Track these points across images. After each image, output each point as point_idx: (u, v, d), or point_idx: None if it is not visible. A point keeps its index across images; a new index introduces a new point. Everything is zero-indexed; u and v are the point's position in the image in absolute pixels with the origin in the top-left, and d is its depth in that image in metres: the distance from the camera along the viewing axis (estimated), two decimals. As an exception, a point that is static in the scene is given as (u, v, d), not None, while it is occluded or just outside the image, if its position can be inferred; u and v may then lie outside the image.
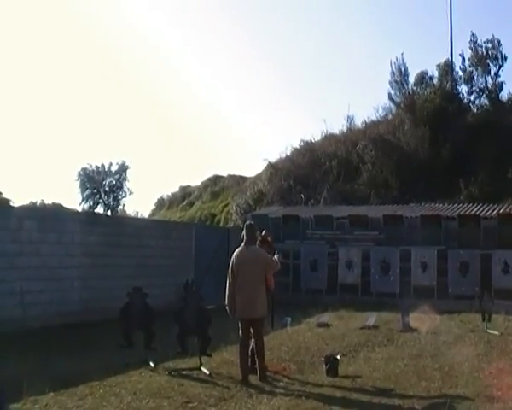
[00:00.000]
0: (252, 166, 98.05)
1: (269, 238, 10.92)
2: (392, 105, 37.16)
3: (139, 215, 48.69)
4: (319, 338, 13.72)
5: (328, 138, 37.58)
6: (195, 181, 49.18)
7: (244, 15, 75.62)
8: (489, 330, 14.61)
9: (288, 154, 37.88)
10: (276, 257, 10.51)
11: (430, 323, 15.52)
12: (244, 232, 10.00)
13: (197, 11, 75.81)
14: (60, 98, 76.33)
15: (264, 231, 10.87)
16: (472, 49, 35.38)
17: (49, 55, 76.26)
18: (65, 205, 41.85)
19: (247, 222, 10.46)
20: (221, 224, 35.86)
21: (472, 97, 35.71)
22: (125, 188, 46.51)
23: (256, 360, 9.75)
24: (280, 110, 76.22)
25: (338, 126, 39.28)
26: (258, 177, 38.56)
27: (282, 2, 71.50)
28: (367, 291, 21.95)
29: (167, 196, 50.25)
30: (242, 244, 9.97)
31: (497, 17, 59.39)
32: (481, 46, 35.15)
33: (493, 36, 35.17)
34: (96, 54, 77.80)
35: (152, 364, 10.45)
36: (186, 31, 79.72)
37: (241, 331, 9.85)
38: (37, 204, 44.95)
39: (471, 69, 35.45)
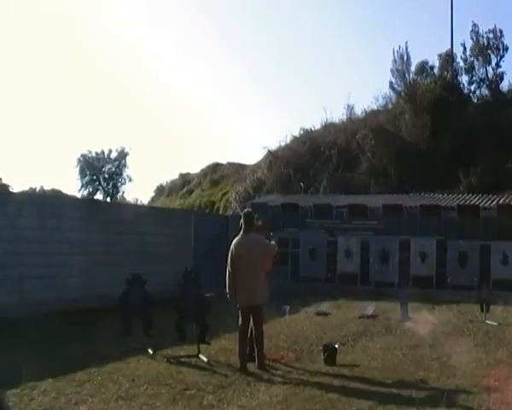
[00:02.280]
0: (251, 155, 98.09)
1: (259, 222, 10.76)
2: (393, 94, 37.06)
3: (138, 202, 48.73)
4: (317, 327, 13.74)
5: (328, 127, 37.52)
6: (195, 169, 49.18)
7: (243, 4, 75.32)
8: (487, 321, 14.62)
9: (288, 142, 37.84)
10: (273, 242, 10.54)
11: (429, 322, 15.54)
12: (242, 220, 10.01)
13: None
14: (60, 84, 76.23)
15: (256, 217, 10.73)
16: (473, 39, 35.36)
17: (49, 44, 76.10)
18: (64, 191, 41.89)
19: (245, 210, 10.49)
20: (220, 211, 35.83)
21: (472, 87, 35.75)
22: (124, 175, 46.62)
23: (255, 347, 9.76)
24: (280, 98, 76.14)
25: (338, 115, 39.22)
26: (257, 165, 38.51)
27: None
28: (366, 281, 21.96)
29: (167, 183, 50.21)
30: (241, 232, 9.99)
31: (498, 7, 59.25)
32: (483, 36, 35.14)
33: (495, 26, 35.21)
34: (97, 42, 77.61)
35: (150, 351, 10.46)
36: (185, 25, 79.49)
37: (240, 319, 9.87)
38: (37, 190, 45.01)
39: (472, 59, 35.43)
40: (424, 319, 14.91)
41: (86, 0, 73.33)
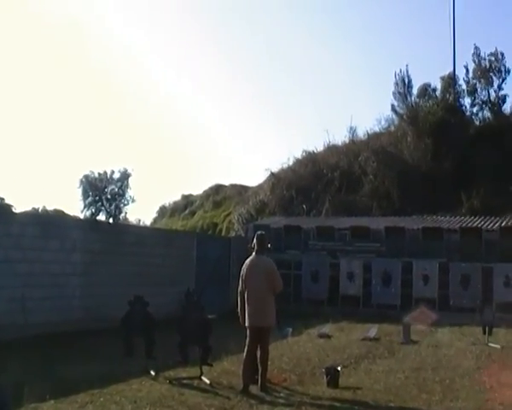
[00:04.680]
0: (254, 176, 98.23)
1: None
2: (395, 117, 37.28)
3: (141, 223, 48.78)
4: (320, 349, 13.71)
5: (331, 149, 37.64)
6: (197, 190, 49.33)
7: (248, 24, 75.85)
8: (490, 344, 14.59)
9: (291, 164, 37.97)
10: None
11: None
12: (255, 241, 10.04)
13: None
14: (63, 105, 76.53)
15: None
16: (475, 62, 35.53)
17: (52, 63, 76.43)
18: (66, 211, 41.89)
19: (258, 232, 10.44)
20: (223, 233, 35.86)
21: (475, 110, 35.88)
22: (126, 195, 46.69)
23: (259, 369, 9.73)
24: (282, 121, 76.34)
25: (340, 138, 39.33)
26: (260, 187, 38.58)
27: (287, 12, 71.66)
28: (368, 303, 21.95)
29: (169, 204, 50.29)
30: (253, 253, 10.02)
31: (500, 30, 59.57)
32: (484, 59, 35.31)
33: (496, 49, 35.44)
34: (99, 62, 78.02)
35: (153, 372, 10.44)
36: (190, 46, 79.97)
37: (248, 340, 9.85)
38: (40, 210, 45.00)
39: (474, 82, 35.57)
40: (427, 342, 14.92)
41: (90, 16, 73.83)
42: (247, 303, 9.84)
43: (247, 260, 10.10)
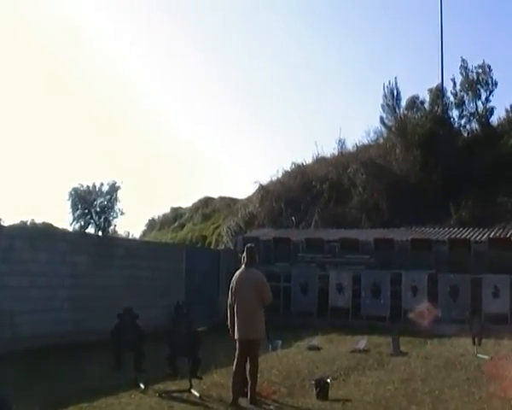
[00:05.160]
0: (243, 189, 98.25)
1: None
2: (384, 129, 37.35)
3: (130, 236, 48.75)
4: (309, 361, 13.69)
5: (320, 161, 37.69)
6: (187, 203, 49.30)
7: (237, 36, 76.07)
8: (479, 355, 14.59)
9: (279, 176, 37.99)
10: None
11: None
12: (244, 254, 10.05)
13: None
14: (52, 118, 76.40)
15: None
16: (462, 75, 35.74)
17: (39, 74, 76.40)
18: (55, 225, 41.82)
19: (248, 245, 10.45)
20: (212, 246, 35.80)
21: (463, 122, 35.99)
22: (116, 208, 46.65)
23: (248, 381, 9.71)
24: (271, 133, 76.49)
25: (329, 150, 39.48)
26: (249, 199, 38.58)
27: (276, 24, 71.88)
28: (357, 315, 21.91)
29: (158, 217, 50.26)
30: (242, 266, 10.03)
31: (487, 43, 59.95)
32: (472, 71, 35.53)
33: (484, 61, 35.61)
34: (88, 75, 78.00)
35: (142, 385, 10.41)
36: (177, 60, 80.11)
37: (238, 352, 9.83)
38: (28, 224, 44.88)
39: (462, 94, 35.76)
40: (416, 353, 14.93)
41: (81, 34, 73.87)
42: (237, 316, 9.82)
43: (237, 273, 10.10)
